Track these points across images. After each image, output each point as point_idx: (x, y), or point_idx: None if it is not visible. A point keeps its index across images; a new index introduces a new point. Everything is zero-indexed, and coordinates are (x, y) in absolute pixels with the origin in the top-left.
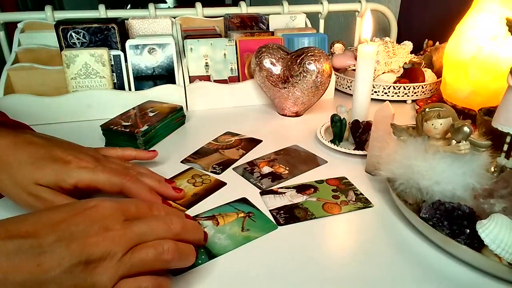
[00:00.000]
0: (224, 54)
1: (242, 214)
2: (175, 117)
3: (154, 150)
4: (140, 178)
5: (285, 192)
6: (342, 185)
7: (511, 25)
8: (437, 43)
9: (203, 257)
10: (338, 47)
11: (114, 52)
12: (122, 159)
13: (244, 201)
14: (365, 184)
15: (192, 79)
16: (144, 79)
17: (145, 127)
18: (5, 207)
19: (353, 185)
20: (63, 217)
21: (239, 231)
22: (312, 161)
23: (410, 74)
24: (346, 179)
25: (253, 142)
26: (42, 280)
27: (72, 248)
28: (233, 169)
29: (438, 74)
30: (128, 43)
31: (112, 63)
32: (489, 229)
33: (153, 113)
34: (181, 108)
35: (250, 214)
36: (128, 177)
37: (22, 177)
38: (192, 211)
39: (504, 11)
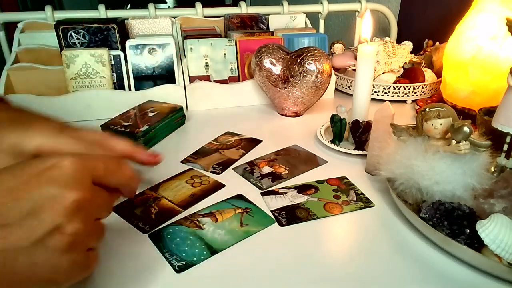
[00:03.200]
0: (224, 54)
1: (239, 210)
2: (175, 117)
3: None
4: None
5: (286, 193)
6: (343, 185)
7: (511, 25)
8: (437, 43)
9: (204, 253)
10: (338, 47)
11: (114, 52)
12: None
13: (240, 197)
14: (365, 184)
15: (192, 79)
16: (144, 79)
17: (145, 127)
18: None
19: (353, 185)
20: (22, 181)
21: (238, 226)
22: (312, 161)
23: (410, 74)
24: (347, 179)
25: (253, 142)
26: (10, 251)
27: (40, 217)
28: (233, 169)
29: (438, 74)
30: (128, 43)
31: (112, 63)
32: (489, 229)
33: (153, 113)
34: (181, 108)
35: (248, 210)
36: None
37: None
38: (189, 211)
39: (504, 11)
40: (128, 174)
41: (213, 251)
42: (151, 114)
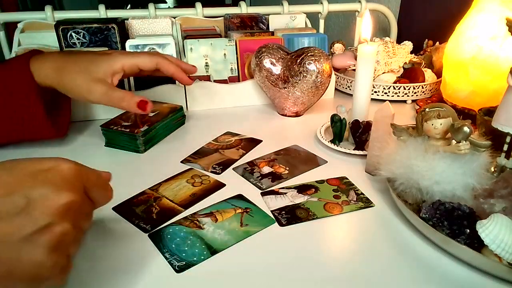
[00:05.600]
0: (224, 54)
1: (239, 210)
2: (175, 117)
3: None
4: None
5: (286, 193)
6: (343, 185)
7: (511, 25)
8: (437, 43)
9: (204, 253)
10: (338, 47)
11: None
12: None
13: (240, 197)
14: (365, 184)
15: (192, 79)
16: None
17: (145, 127)
18: None
19: (353, 184)
20: (17, 178)
21: (238, 226)
22: (312, 161)
23: (410, 74)
24: (347, 179)
25: (253, 142)
26: None
27: (32, 215)
28: (233, 169)
29: (438, 74)
30: (128, 43)
31: None
32: (489, 229)
33: (153, 113)
34: (181, 108)
35: (248, 210)
36: (161, 54)
37: (92, 69)
38: (189, 211)
39: (504, 11)
40: (109, 195)
41: (213, 251)
42: (151, 114)
